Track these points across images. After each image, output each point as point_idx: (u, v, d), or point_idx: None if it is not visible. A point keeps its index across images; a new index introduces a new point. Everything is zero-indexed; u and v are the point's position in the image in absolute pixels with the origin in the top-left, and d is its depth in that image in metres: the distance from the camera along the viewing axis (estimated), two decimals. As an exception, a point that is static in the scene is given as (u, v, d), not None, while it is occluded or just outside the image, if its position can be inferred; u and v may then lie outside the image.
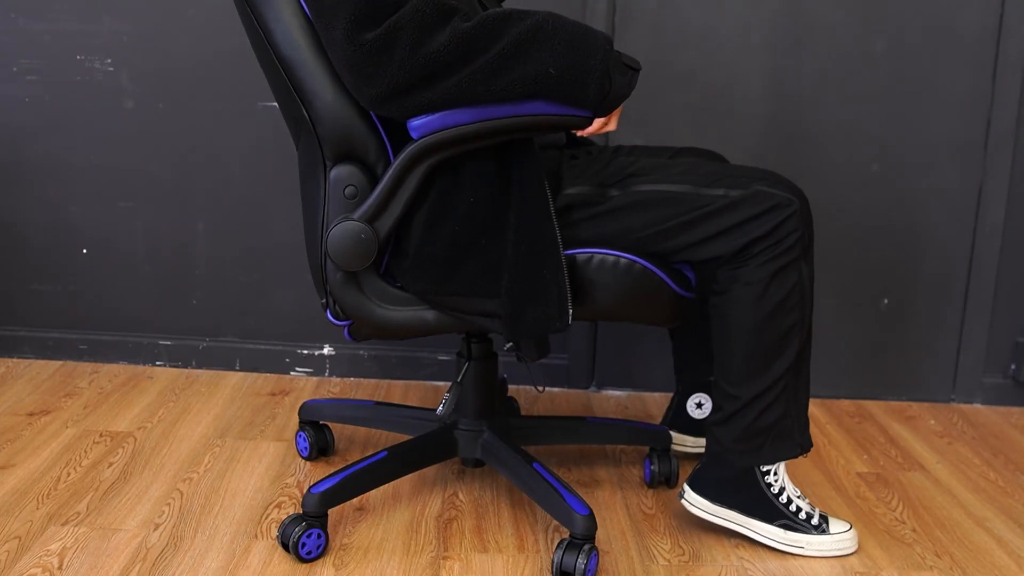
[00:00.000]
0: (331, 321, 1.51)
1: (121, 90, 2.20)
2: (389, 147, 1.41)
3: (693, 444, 1.85)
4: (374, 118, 1.40)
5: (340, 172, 1.41)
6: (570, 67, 1.30)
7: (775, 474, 1.55)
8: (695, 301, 1.56)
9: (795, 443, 1.53)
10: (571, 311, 1.40)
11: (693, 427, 1.85)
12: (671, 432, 1.82)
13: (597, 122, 1.38)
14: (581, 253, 1.45)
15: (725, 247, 1.44)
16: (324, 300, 1.49)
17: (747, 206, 1.43)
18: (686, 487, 1.59)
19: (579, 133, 1.40)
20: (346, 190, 1.41)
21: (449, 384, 1.79)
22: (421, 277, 1.42)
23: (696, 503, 1.57)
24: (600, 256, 1.45)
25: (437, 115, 1.33)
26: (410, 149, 1.36)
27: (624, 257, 1.45)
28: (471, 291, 1.41)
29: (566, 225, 1.45)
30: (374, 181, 1.40)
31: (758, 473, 1.54)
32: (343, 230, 1.39)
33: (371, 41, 1.27)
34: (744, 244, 1.44)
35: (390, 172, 1.38)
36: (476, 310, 1.43)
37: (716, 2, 2.10)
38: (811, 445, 1.55)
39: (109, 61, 2.18)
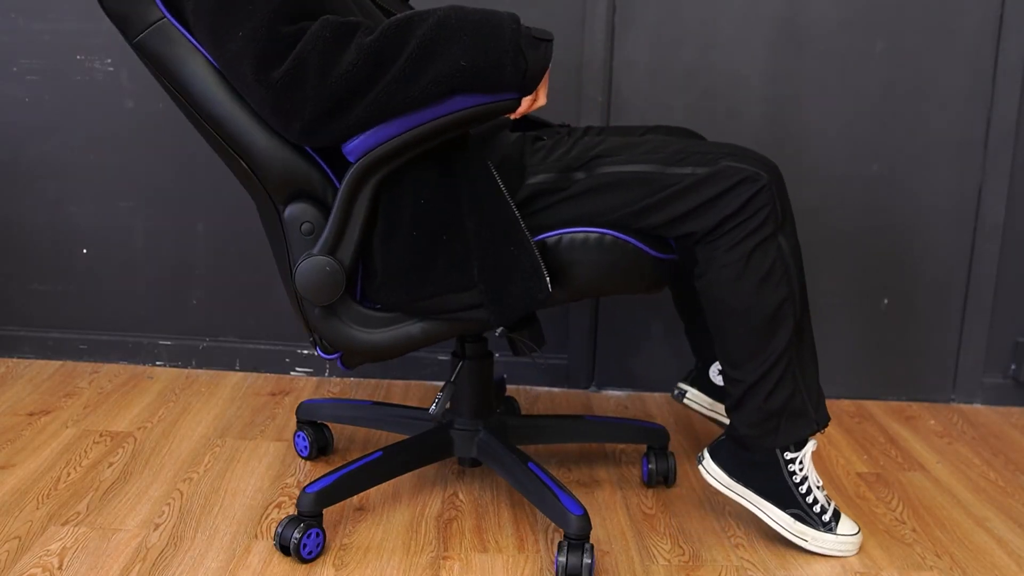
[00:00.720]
0: (322, 356, 1.50)
1: (121, 90, 2.20)
2: (332, 176, 1.40)
3: (709, 406, 1.82)
4: (311, 151, 1.39)
5: (293, 211, 1.40)
6: (481, 54, 1.29)
7: (800, 463, 1.53)
8: (676, 262, 1.53)
9: (811, 419, 1.52)
10: (548, 278, 1.38)
11: (714, 391, 1.82)
12: (690, 388, 1.80)
13: (526, 101, 1.37)
14: (549, 236, 1.43)
15: (697, 225, 1.42)
16: (311, 337, 1.50)
17: (715, 182, 1.41)
18: (706, 453, 1.57)
19: (512, 116, 1.39)
20: (302, 227, 1.40)
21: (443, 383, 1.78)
22: (395, 291, 1.42)
23: (713, 473, 1.56)
24: (569, 235, 1.43)
25: (367, 134, 1.32)
26: (351, 173, 1.36)
27: (593, 232, 1.43)
28: (446, 289, 1.41)
29: (533, 213, 1.44)
30: (327, 212, 1.39)
31: (781, 459, 1.53)
32: (308, 267, 1.39)
33: (280, 78, 1.27)
34: (716, 222, 1.42)
35: (338, 200, 1.37)
36: (457, 306, 1.43)
37: (716, 2, 2.10)
38: (828, 419, 1.54)
39: (109, 61, 2.18)
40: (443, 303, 1.43)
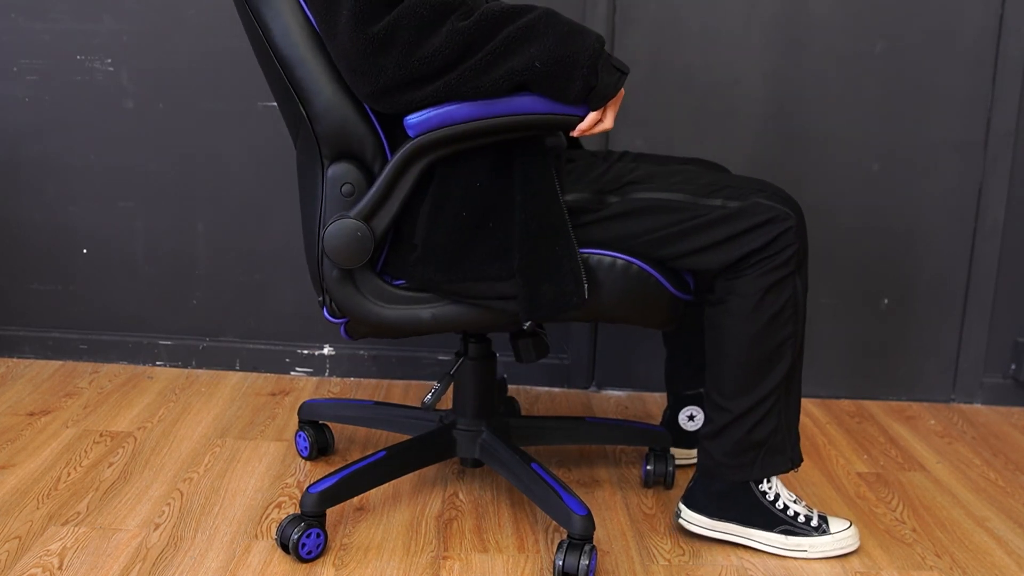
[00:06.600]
0: (327, 319, 1.51)
1: (121, 90, 2.20)
2: (386, 145, 1.41)
3: (684, 456, 1.84)
4: (371, 116, 1.40)
5: (337, 170, 1.41)
6: (556, 61, 1.31)
7: (768, 482, 1.54)
8: (692, 304, 1.55)
9: (786, 458, 1.53)
10: (586, 286, 1.40)
11: (685, 439, 1.84)
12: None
13: (590, 118, 1.38)
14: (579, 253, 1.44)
15: (722, 257, 1.44)
16: (321, 298, 1.50)
17: (745, 217, 1.43)
18: (681, 506, 1.59)
19: (573, 133, 1.40)
20: (343, 188, 1.41)
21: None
22: (431, 267, 1.42)
23: (694, 520, 1.57)
24: (597, 257, 1.45)
25: (433, 114, 1.33)
26: (407, 147, 1.36)
27: (621, 258, 1.45)
28: (482, 275, 1.41)
29: None
30: (371, 179, 1.40)
31: (752, 484, 1.54)
32: (339, 228, 1.40)
33: (370, 37, 1.28)
34: (741, 256, 1.44)
35: (387, 170, 1.38)
36: (490, 294, 1.43)
37: (716, 2, 2.10)
38: (802, 460, 1.55)
39: (109, 61, 2.18)
40: (477, 288, 1.43)
